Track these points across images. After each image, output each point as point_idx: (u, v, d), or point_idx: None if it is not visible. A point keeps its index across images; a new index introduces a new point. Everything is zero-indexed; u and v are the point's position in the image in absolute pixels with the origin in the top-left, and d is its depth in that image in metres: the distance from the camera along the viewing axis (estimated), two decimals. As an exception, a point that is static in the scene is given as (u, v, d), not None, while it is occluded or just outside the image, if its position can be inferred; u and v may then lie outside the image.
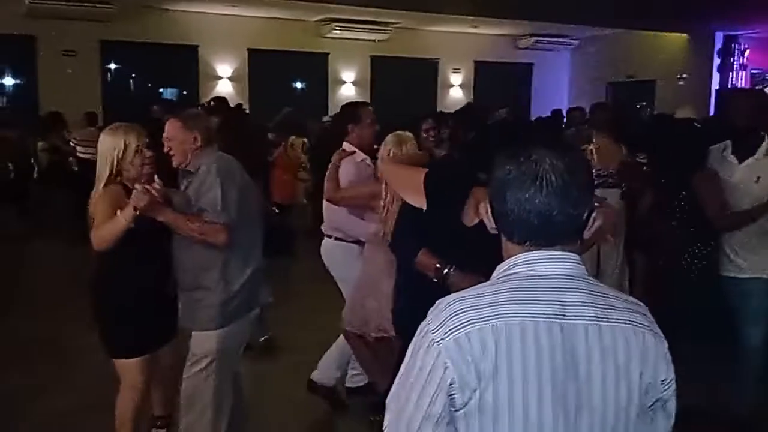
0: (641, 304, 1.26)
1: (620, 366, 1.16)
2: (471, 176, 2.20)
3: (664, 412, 1.25)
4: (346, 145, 3.79)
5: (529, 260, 1.20)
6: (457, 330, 1.13)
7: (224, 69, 12.17)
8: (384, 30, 12.61)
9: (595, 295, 1.19)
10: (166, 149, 2.81)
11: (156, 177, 2.88)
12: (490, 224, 1.28)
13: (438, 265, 2.30)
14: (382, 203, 3.31)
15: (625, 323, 1.19)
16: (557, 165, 1.17)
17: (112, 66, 11.90)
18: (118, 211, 2.56)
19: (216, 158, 2.78)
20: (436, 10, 10.96)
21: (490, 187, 1.25)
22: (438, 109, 12.63)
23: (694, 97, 10.70)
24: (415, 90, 13.61)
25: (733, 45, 12.18)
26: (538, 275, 1.19)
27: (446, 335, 1.14)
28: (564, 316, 1.15)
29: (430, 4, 10.52)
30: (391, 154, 3.29)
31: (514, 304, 1.15)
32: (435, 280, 2.29)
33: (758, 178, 3.36)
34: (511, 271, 1.21)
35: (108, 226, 2.60)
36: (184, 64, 11.99)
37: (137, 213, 2.53)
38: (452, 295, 1.21)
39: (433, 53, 13.91)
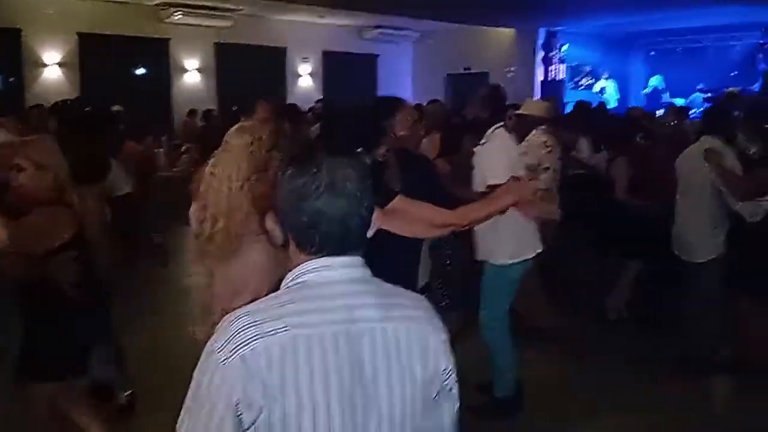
0: (423, 298, 1.34)
1: (403, 363, 1.20)
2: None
3: (448, 399, 1.29)
4: None
5: (318, 267, 1.21)
6: (243, 347, 1.12)
7: (51, 55, 11.34)
8: (227, 16, 12.36)
9: (382, 296, 1.24)
10: None
11: None
12: (278, 237, 1.30)
13: None
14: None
15: (408, 320, 1.24)
16: (349, 173, 1.21)
17: None
18: None
19: None
20: (279, -3, 10.91)
21: (280, 199, 1.24)
22: (288, 99, 12.76)
23: (521, 89, 11.49)
24: (264, 79, 13.45)
25: (553, 40, 13.26)
26: (326, 282, 1.20)
27: (231, 353, 1.12)
28: (351, 320, 1.17)
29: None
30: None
31: (300, 314, 1.16)
32: None
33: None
34: (300, 280, 1.22)
35: None
36: (6, 49, 11.02)
37: None
38: (239, 309, 1.20)
39: (280, 42, 13.80)
